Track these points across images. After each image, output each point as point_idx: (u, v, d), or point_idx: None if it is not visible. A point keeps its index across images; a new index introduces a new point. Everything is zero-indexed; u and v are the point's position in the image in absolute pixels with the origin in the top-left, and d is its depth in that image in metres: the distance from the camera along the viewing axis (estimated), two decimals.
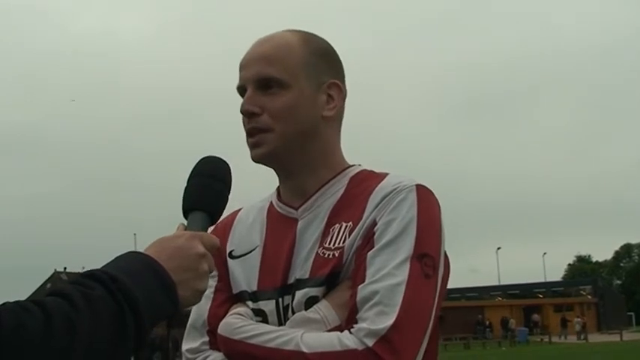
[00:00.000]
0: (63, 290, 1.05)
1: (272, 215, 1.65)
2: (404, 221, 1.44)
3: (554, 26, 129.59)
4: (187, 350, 1.59)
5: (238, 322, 1.49)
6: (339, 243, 1.49)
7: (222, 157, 1.42)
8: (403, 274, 1.39)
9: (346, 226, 1.51)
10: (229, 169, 1.41)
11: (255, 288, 1.57)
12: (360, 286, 1.41)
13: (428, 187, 1.52)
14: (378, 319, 1.35)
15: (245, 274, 1.60)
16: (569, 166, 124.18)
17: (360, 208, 1.51)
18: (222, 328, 1.51)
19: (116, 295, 1.07)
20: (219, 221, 1.71)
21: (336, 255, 1.48)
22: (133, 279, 1.10)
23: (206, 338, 1.57)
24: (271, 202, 1.68)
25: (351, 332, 1.36)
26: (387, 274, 1.39)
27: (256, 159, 1.58)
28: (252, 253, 1.62)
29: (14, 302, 1.00)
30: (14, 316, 0.97)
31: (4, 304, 1.00)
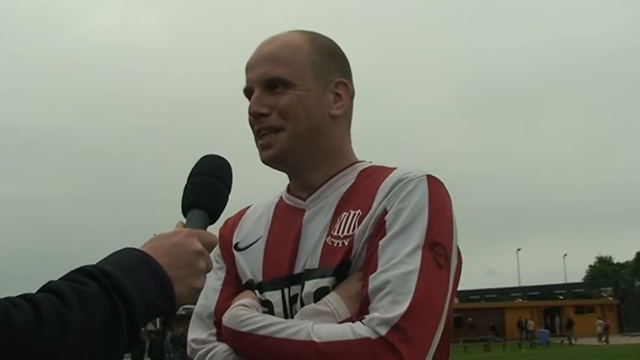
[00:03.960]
0: (55, 286, 1.03)
1: (279, 208, 1.66)
2: (415, 210, 1.43)
3: (569, 28, 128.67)
4: (193, 340, 1.58)
5: (245, 314, 1.47)
6: (348, 231, 1.48)
7: (223, 156, 1.41)
8: (415, 263, 1.38)
9: (354, 214, 1.50)
10: (230, 168, 1.40)
11: (260, 279, 1.57)
12: (371, 276, 1.40)
13: (438, 177, 1.51)
14: (390, 308, 1.34)
15: (249, 266, 1.60)
16: (590, 166, 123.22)
17: (369, 198, 1.50)
18: (229, 320, 1.48)
19: (109, 291, 1.05)
20: (229, 217, 1.73)
21: (346, 244, 1.47)
22: (127, 275, 1.09)
23: (213, 330, 1.56)
24: (281, 197, 1.68)
25: (362, 322, 1.35)
26: (399, 263, 1.38)
27: (266, 160, 1.57)
28: (256, 244, 1.62)
29: (4, 298, 0.99)
30: (3, 311, 0.96)
31: None
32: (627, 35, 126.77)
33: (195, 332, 1.59)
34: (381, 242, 1.42)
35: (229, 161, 1.40)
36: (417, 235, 1.41)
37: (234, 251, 1.65)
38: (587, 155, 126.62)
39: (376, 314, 1.34)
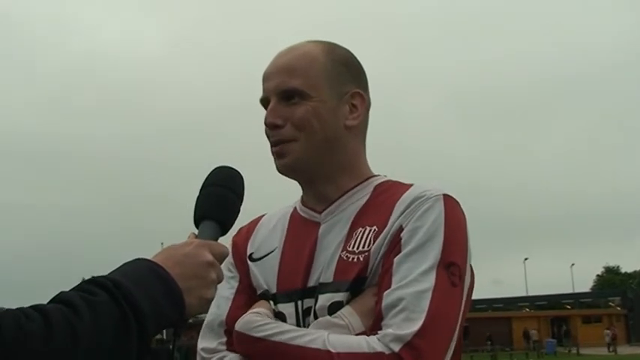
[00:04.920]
0: (66, 297, 1.04)
1: (294, 219, 1.66)
2: (431, 229, 1.44)
3: (575, 32, 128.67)
4: (203, 349, 1.58)
5: (259, 320, 1.47)
6: (363, 247, 1.49)
7: (236, 168, 1.41)
8: (430, 282, 1.39)
9: (371, 230, 1.50)
10: (242, 180, 1.40)
11: (274, 290, 1.56)
12: (385, 292, 1.40)
13: (454, 197, 1.51)
14: (404, 325, 1.34)
15: (264, 277, 1.59)
16: (598, 175, 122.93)
17: (385, 214, 1.50)
18: (242, 326, 1.48)
19: (120, 301, 1.06)
20: (243, 226, 1.73)
21: (361, 259, 1.47)
22: (137, 285, 1.09)
23: (223, 338, 1.56)
24: (295, 208, 1.68)
25: (377, 337, 1.35)
26: (414, 281, 1.39)
27: (281, 169, 1.58)
28: (271, 255, 1.62)
29: (16, 308, 1.00)
30: (15, 322, 0.96)
31: (5, 310, 0.99)
32: (636, 40, 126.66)
33: (205, 341, 1.58)
34: (396, 259, 1.43)
35: (240, 171, 1.41)
36: (432, 254, 1.42)
37: (249, 261, 1.65)
38: (594, 164, 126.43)
39: (390, 330, 1.35)
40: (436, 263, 1.41)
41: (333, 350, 1.34)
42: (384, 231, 1.48)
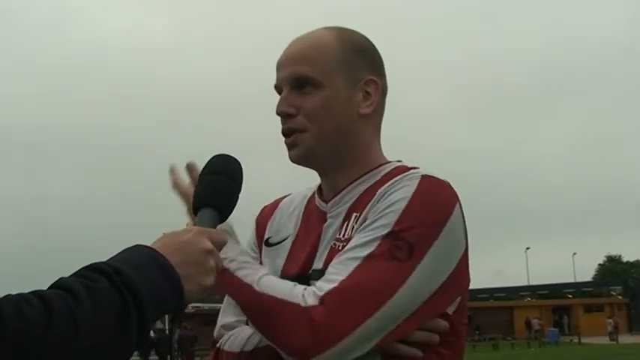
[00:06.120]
0: (65, 282, 1.04)
1: (309, 208, 1.66)
2: (392, 202, 1.43)
3: (571, 28, 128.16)
4: (222, 326, 1.61)
5: (232, 256, 1.49)
6: (349, 234, 1.49)
7: (234, 156, 1.41)
8: (367, 250, 1.38)
9: (357, 218, 1.50)
10: (241, 168, 1.41)
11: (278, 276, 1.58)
12: (332, 262, 1.43)
13: (441, 178, 1.48)
14: (323, 284, 1.37)
15: (272, 264, 1.61)
16: (600, 165, 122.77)
17: (370, 199, 1.50)
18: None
19: (119, 287, 1.06)
20: (266, 205, 1.76)
21: (345, 246, 1.48)
22: (136, 271, 1.09)
23: (243, 317, 1.56)
24: (313, 193, 1.69)
25: (302, 290, 1.37)
26: (354, 249, 1.40)
27: (294, 159, 1.58)
28: (284, 243, 1.64)
29: (16, 294, 1.00)
30: (15, 307, 0.97)
31: (5, 295, 1.00)
32: (630, 36, 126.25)
33: (225, 318, 1.63)
34: (354, 232, 1.46)
35: (240, 160, 1.41)
36: (382, 225, 1.40)
37: (264, 246, 1.67)
38: (597, 153, 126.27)
39: (312, 287, 1.37)
40: (382, 235, 1.39)
41: (257, 289, 1.39)
42: (363, 214, 1.48)
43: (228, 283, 1.45)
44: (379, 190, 1.48)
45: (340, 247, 1.48)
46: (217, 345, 1.60)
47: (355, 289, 1.34)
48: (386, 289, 1.35)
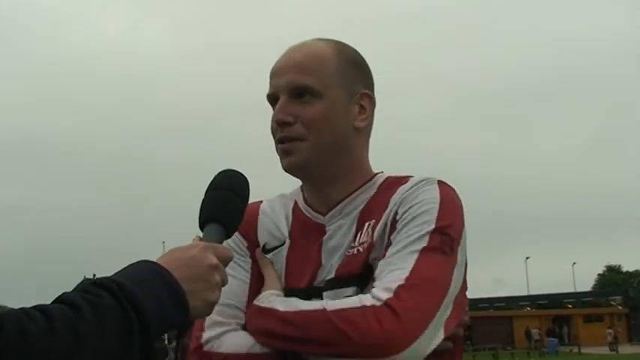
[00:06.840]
0: (69, 297, 1.03)
1: (298, 217, 1.64)
2: (425, 203, 1.47)
3: (571, 33, 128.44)
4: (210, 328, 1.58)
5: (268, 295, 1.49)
6: (365, 239, 1.50)
7: (241, 171, 1.41)
8: (420, 245, 1.41)
9: (370, 224, 1.51)
10: (247, 183, 1.40)
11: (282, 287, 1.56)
12: (380, 262, 1.43)
13: (451, 185, 1.54)
14: (389, 277, 1.37)
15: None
16: (599, 174, 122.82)
17: (385, 208, 1.51)
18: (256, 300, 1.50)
19: (123, 303, 1.05)
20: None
21: (361, 250, 1.49)
22: (140, 287, 1.08)
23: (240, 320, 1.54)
24: (296, 203, 1.66)
25: (368, 293, 1.37)
26: (405, 246, 1.41)
27: (287, 167, 1.57)
28: (280, 250, 1.61)
29: (18, 308, 0.99)
30: (17, 322, 0.95)
31: (7, 310, 0.98)
32: (632, 40, 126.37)
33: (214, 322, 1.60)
34: (392, 235, 1.46)
35: (244, 173, 1.41)
36: (425, 224, 1.43)
37: (261, 252, 1.63)
38: (596, 162, 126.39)
39: (377, 284, 1.38)
40: (430, 230, 1.42)
41: (325, 306, 1.37)
42: (382, 219, 1.49)
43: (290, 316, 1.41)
44: (393, 198, 1.51)
45: (356, 252, 1.49)
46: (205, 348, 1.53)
47: (422, 279, 1.37)
48: (446, 279, 1.41)
